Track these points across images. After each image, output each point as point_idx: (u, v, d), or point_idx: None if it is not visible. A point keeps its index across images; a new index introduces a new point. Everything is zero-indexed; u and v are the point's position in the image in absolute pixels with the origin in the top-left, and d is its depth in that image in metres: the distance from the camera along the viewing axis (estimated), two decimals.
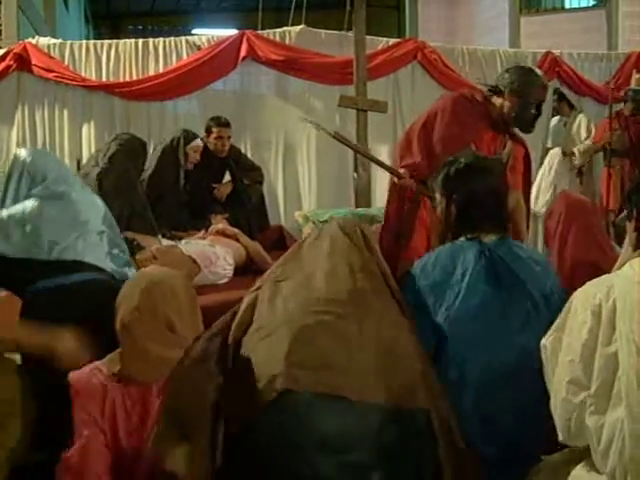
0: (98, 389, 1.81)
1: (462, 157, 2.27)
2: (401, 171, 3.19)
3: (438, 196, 2.26)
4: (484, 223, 2.11)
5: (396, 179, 3.23)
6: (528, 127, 3.20)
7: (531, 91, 3.11)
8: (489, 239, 2.09)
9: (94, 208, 2.54)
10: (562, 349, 1.61)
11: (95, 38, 13.50)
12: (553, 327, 1.69)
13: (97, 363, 1.89)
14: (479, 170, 2.21)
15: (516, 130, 3.28)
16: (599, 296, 1.56)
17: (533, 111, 3.13)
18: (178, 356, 1.77)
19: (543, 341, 1.69)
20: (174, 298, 1.85)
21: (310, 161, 5.40)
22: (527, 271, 2.04)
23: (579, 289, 1.66)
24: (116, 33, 14.79)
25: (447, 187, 2.22)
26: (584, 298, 1.60)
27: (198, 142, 4.13)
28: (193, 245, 3.33)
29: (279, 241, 4.37)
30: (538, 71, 3.30)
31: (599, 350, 1.52)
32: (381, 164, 3.49)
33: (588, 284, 1.65)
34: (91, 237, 2.43)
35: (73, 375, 1.85)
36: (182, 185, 4.05)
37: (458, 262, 2.03)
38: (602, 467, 1.50)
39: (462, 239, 2.10)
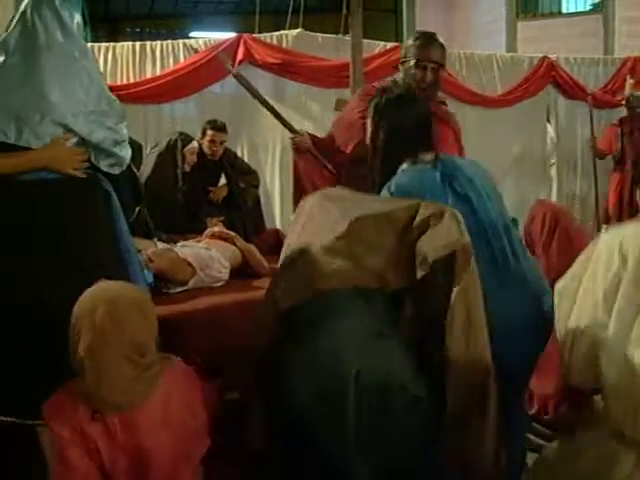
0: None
1: (395, 88, 2.38)
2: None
3: (369, 120, 2.35)
4: (412, 148, 2.19)
5: (291, 134, 3.26)
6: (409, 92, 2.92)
7: (409, 51, 2.97)
8: (428, 158, 2.16)
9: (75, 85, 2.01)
10: (583, 292, 1.62)
11: (93, 41, 13.32)
12: (569, 272, 1.69)
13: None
14: (407, 100, 2.30)
15: (443, 111, 3.08)
16: (625, 243, 1.55)
17: (413, 72, 2.92)
18: (151, 373, 1.75)
19: (558, 286, 1.71)
20: (140, 313, 1.73)
21: None
22: (477, 174, 2.15)
23: (602, 237, 1.65)
24: (114, 36, 14.72)
25: (377, 114, 2.31)
26: (609, 243, 1.60)
27: (195, 144, 4.15)
28: (189, 248, 3.32)
29: (275, 244, 4.35)
30: (428, 34, 3.03)
31: (622, 290, 1.51)
32: (278, 116, 3.51)
33: (612, 231, 1.65)
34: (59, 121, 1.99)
35: (55, 430, 1.70)
36: (179, 187, 4.05)
37: (424, 189, 2.06)
38: (615, 407, 1.52)
39: (405, 166, 2.16)
